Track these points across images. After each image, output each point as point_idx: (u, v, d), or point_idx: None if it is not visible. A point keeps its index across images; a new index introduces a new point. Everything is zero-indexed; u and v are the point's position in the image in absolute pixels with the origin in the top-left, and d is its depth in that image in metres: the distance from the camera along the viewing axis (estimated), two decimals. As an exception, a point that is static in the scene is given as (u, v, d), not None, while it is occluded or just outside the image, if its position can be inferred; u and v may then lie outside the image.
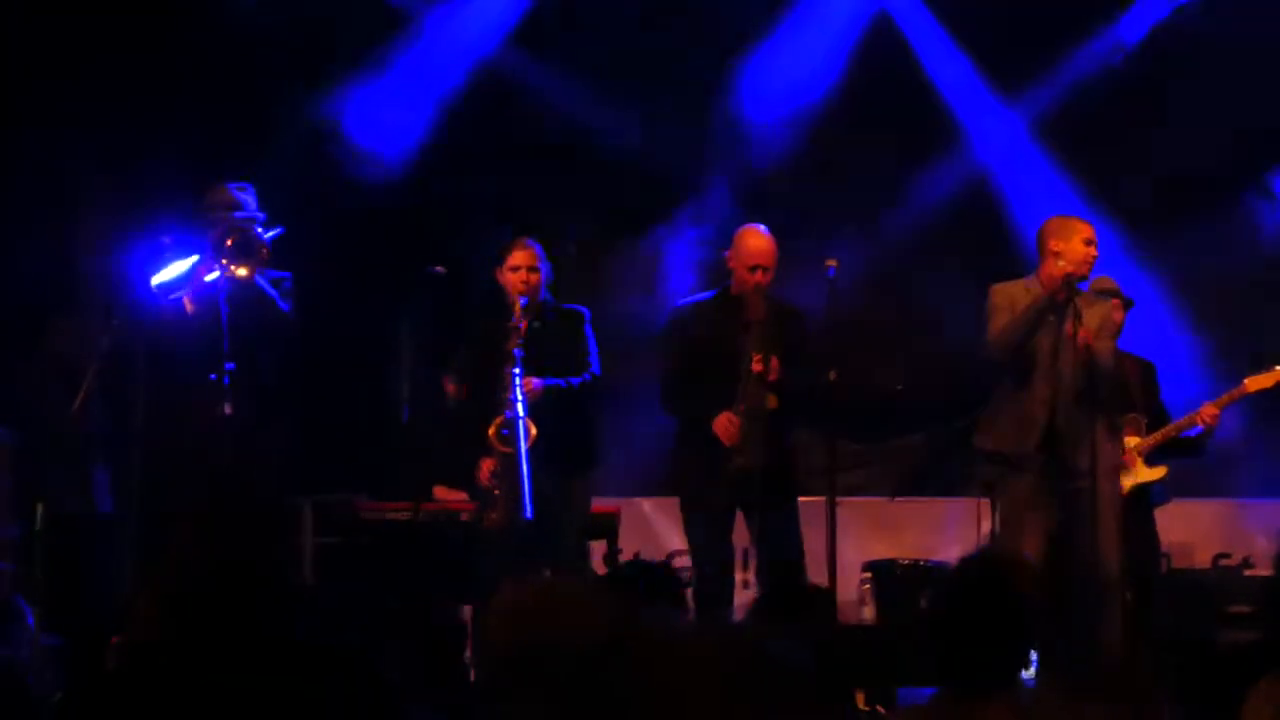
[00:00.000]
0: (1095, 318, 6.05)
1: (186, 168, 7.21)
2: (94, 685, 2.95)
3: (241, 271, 6.01)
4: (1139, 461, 6.69)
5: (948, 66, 8.96)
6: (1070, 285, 5.95)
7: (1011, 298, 6.08)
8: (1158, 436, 6.73)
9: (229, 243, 6.02)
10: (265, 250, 6.06)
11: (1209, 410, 6.72)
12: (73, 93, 7.84)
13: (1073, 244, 6.06)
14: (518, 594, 2.23)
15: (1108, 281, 6.47)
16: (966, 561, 3.02)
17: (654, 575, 3.83)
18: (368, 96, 8.37)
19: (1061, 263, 5.95)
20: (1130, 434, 6.69)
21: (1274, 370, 6.65)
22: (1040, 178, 8.78)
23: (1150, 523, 6.76)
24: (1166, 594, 6.83)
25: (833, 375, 6.16)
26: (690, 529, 6.47)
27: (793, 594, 4.01)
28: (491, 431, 5.94)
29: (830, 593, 5.55)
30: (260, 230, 6.14)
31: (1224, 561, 7.63)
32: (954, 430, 6.55)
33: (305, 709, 2.29)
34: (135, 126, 7.75)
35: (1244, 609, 6.36)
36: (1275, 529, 6.86)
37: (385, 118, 8.43)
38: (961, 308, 6.87)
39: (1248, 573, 7.35)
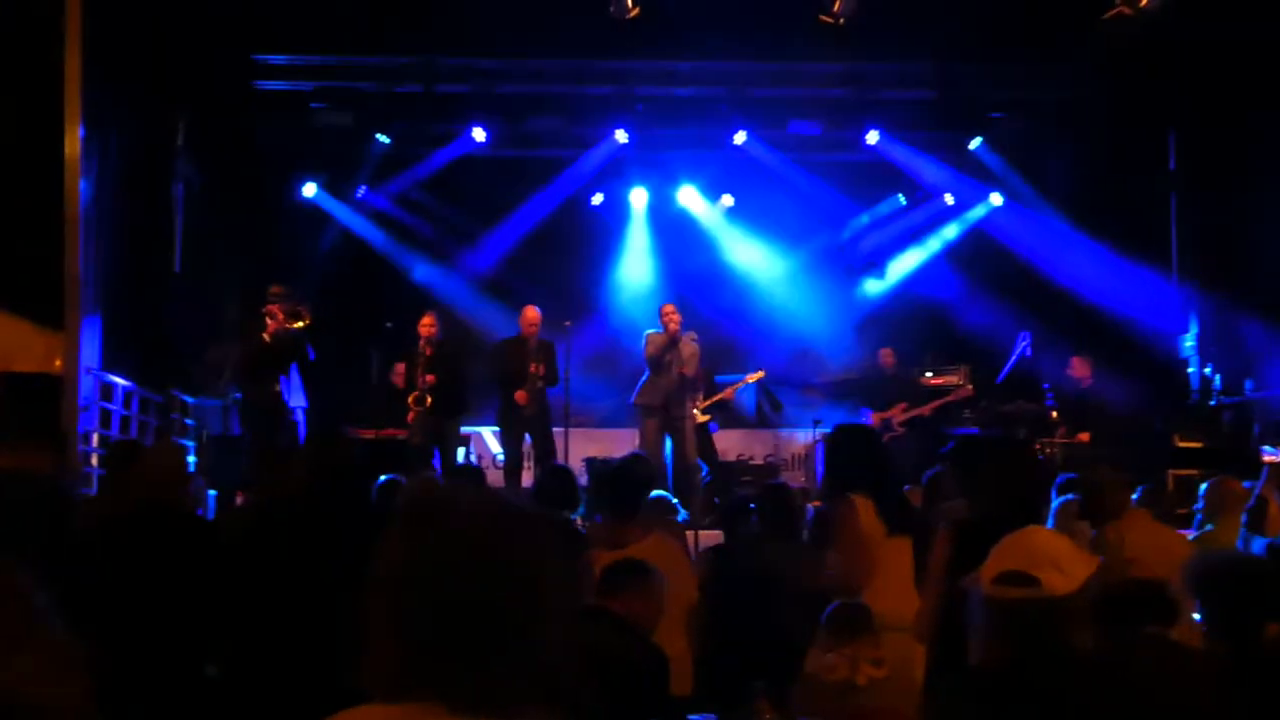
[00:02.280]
0: (688, 350, 12.71)
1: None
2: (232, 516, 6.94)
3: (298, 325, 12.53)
4: (698, 414, 13.01)
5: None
6: (674, 336, 12.65)
7: (653, 340, 12.85)
8: (708, 401, 13.30)
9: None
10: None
11: (729, 391, 13.53)
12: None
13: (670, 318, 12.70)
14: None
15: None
16: (629, 458, 9.61)
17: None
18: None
19: (672, 326, 12.63)
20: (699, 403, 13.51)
21: (760, 372, 13.92)
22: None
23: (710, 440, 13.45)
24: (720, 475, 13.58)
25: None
26: (504, 443, 13.12)
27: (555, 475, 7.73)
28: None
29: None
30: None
31: (740, 458, 14.59)
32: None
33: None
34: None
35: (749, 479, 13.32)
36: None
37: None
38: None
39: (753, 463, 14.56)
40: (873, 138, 15.42)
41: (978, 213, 16.49)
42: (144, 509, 5.36)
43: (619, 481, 6.47)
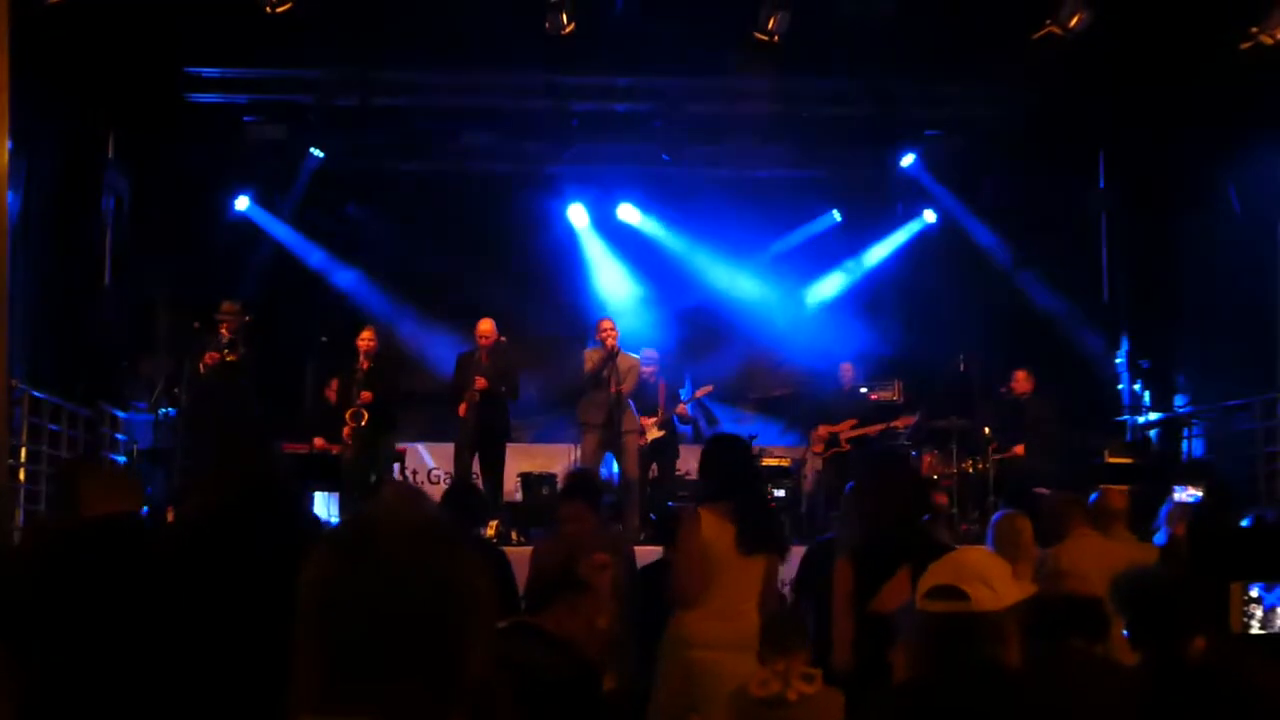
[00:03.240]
0: (626, 365, 12.76)
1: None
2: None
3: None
4: (653, 428, 13.01)
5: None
6: (612, 352, 12.60)
7: (590, 356, 12.79)
8: (659, 418, 13.16)
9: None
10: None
11: (681, 407, 13.62)
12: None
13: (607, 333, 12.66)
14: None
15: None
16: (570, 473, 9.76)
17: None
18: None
19: (609, 341, 12.49)
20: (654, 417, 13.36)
21: (709, 386, 14.11)
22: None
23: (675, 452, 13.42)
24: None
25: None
26: (455, 457, 12.80)
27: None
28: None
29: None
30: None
31: (680, 474, 13.71)
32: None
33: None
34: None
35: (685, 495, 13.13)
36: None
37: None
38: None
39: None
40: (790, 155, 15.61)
41: (912, 229, 16.61)
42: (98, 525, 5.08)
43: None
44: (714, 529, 6.01)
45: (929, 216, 16.47)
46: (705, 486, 6.57)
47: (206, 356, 12.00)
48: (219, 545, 4.86)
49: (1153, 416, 14.87)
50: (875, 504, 5.66)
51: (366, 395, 12.31)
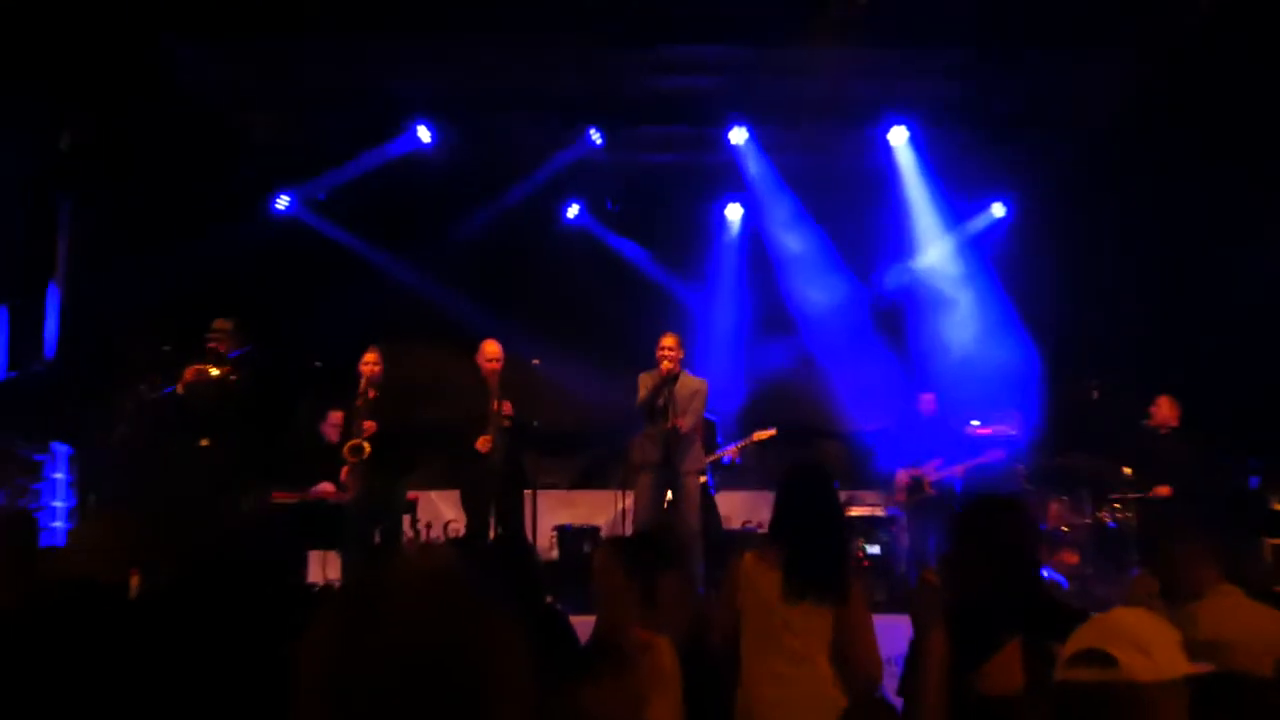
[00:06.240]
0: (687, 392, 11.37)
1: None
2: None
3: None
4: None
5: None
6: (668, 376, 11.26)
7: (644, 382, 11.37)
8: (705, 460, 11.98)
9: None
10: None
11: (733, 449, 12.40)
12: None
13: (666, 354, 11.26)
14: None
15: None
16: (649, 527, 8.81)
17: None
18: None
19: (665, 364, 11.19)
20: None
21: (771, 430, 12.61)
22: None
23: (711, 501, 12.35)
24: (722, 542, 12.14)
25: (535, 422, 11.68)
26: (467, 506, 11.67)
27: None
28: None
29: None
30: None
31: (747, 525, 13.31)
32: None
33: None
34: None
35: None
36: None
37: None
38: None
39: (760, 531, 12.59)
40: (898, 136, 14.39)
41: (978, 224, 15.53)
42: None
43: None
44: (759, 576, 5.87)
45: (997, 210, 15.41)
46: (775, 523, 6.29)
47: (188, 372, 11.21)
48: (189, 624, 4.75)
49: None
50: (972, 556, 5.29)
51: (369, 425, 11.33)
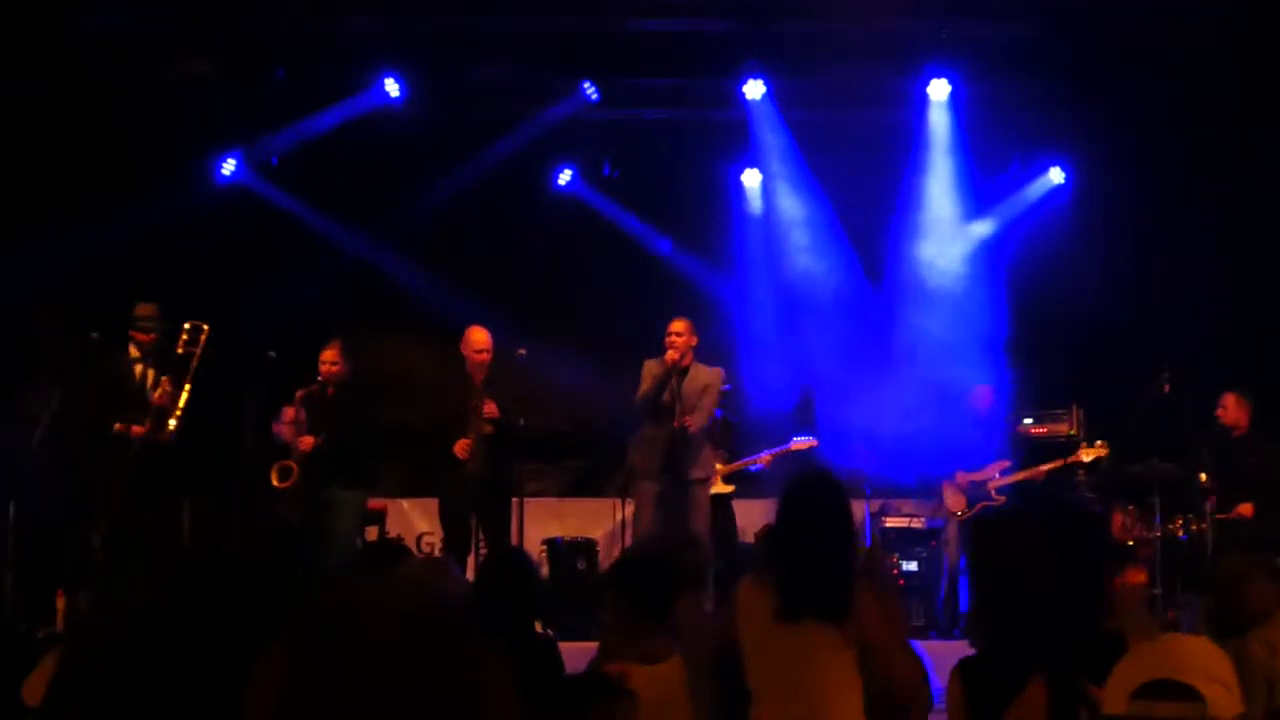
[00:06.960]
0: (697, 386, 10.42)
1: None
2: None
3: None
4: (719, 479, 11.23)
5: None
6: (673, 367, 10.28)
7: (648, 373, 10.36)
8: (731, 466, 11.49)
9: None
10: None
11: (766, 458, 11.44)
12: None
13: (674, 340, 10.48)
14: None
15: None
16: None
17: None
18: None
19: (672, 353, 10.19)
20: (719, 463, 11.26)
21: (811, 440, 11.52)
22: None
23: (730, 514, 11.59)
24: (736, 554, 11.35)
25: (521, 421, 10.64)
26: (445, 518, 10.96)
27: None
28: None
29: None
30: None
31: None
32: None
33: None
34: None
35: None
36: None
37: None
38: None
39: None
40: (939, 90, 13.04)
41: (1033, 192, 14.05)
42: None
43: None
44: (752, 600, 5.49)
45: (1056, 176, 13.92)
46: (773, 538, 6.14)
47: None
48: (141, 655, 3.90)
49: None
50: (997, 586, 5.03)
51: (306, 441, 10.78)
